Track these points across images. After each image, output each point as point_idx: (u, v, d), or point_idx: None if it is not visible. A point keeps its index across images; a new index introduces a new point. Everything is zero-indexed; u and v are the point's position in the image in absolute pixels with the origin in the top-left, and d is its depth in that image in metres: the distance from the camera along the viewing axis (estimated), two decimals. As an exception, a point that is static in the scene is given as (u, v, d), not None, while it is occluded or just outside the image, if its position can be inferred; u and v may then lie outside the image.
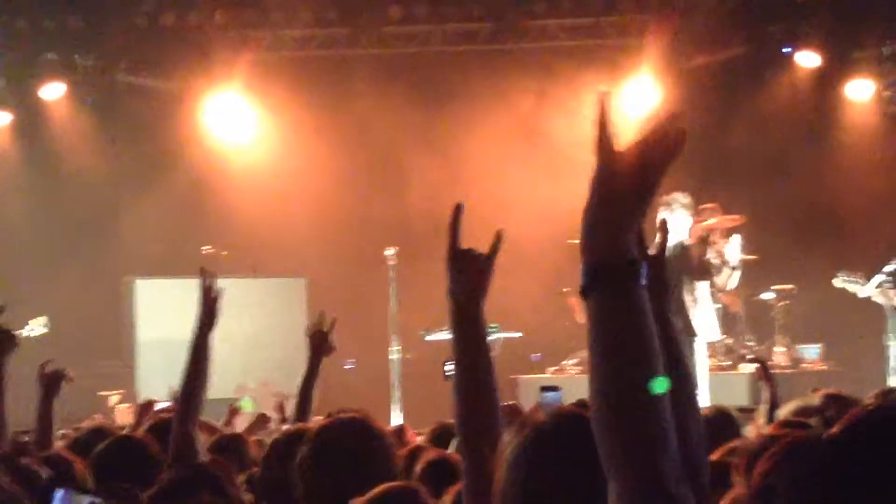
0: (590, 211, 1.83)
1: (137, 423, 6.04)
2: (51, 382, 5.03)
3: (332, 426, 3.41)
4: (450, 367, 4.88)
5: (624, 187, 1.82)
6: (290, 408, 6.09)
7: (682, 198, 9.57)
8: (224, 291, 4.37)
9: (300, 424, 4.33)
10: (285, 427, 5.09)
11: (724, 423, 4.34)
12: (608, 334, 1.78)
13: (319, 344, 5.05)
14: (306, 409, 4.95)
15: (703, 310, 9.61)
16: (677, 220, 9.38)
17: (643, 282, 1.79)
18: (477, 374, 2.73)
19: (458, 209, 2.76)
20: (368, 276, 11.52)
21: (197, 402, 4.28)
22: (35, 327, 10.08)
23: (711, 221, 10.15)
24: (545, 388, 4.05)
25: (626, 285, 1.79)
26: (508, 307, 11.06)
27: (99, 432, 4.97)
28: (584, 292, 1.81)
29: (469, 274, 2.77)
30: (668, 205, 9.38)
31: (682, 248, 9.43)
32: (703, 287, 9.67)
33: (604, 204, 1.82)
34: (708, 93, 12.59)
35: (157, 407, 6.79)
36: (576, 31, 12.95)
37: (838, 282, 10.07)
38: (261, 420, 6.65)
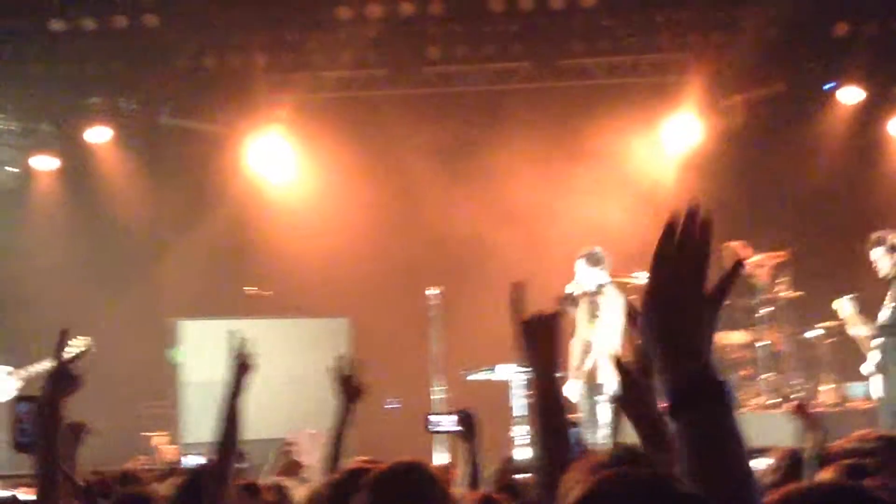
0: (658, 329, 1.84)
1: (171, 472, 6.04)
2: (74, 433, 4.85)
3: (390, 473, 3.40)
4: (434, 420, 4.86)
5: (685, 293, 1.84)
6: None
7: None
8: (254, 357, 4.28)
9: (349, 469, 4.30)
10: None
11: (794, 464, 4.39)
12: (707, 458, 1.78)
13: (347, 388, 4.88)
14: (337, 456, 4.78)
15: None
16: None
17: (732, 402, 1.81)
18: (558, 435, 2.89)
19: (518, 288, 2.88)
20: (410, 315, 11.53)
21: (229, 467, 4.20)
22: (78, 347, 10.12)
23: (757, 258, 10.09)
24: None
25: (719, 408, 1.80)
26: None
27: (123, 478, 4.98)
28: (674, 414, 1.81)
29: (540, 343, 2.91)
30: None
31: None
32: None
33: (671, 316, 1.84)
34: (749, 130, 12.56)
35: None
36: (614, 69, 12.94)
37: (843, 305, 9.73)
38: (294, 466, 6.62)
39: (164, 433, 11.09)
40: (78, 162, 12.88)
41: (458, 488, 4.43)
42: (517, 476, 5.18)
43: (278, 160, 13.07)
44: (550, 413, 2.93)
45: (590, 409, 9.18)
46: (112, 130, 12.73)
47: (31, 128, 12.63)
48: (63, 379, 3.95)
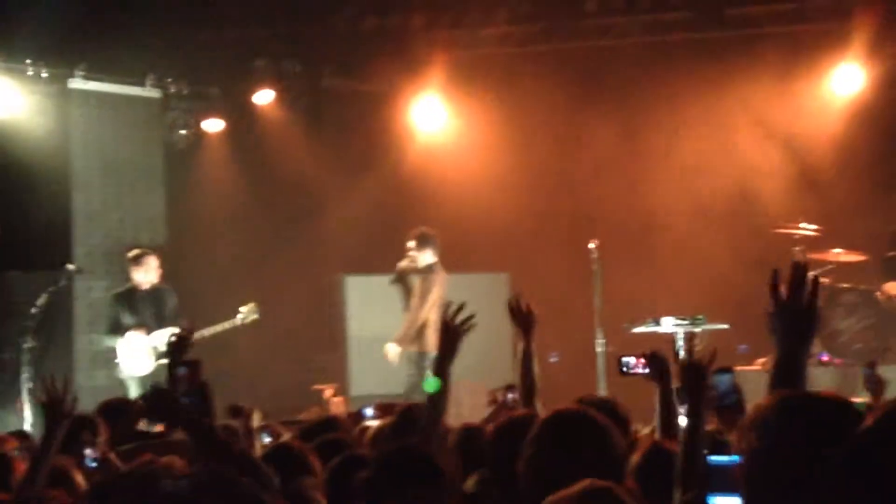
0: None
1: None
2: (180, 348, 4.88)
3: (555, 417, 3.54)
4: (627, 361, 4.94)
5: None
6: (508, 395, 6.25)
7: None
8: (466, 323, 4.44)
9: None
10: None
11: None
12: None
13: (521, 319, 5.13)
14: (531, 387, 5.03)
15: None
16: None
17: None
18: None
19: (800, 267, 3.05)
20: (571, 269, 11.58)
21: (437, 425, 4.39)
22: (247, 314, 10.51)
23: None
24: (720, 371, 4.13)
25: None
26: (716, 297, 10.97)
27: (327, 423, 5.20)
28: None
29: (798, 326, 3.07)
30: None
31: None
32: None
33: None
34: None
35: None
36: (778, 16, 12.66)
37: None
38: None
39: (333, 385, 11.41)
40: (245, 124, 13.26)
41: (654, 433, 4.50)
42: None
43: (438, 118, 13.25)
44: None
45: (418, 373, 10.03)
46: (276, 92, 13.06)
47: (200, 91, 13.04)
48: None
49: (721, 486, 2.99)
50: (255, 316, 10.50)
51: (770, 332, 2.97)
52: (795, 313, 2.96)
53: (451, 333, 4.44)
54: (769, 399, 2.62)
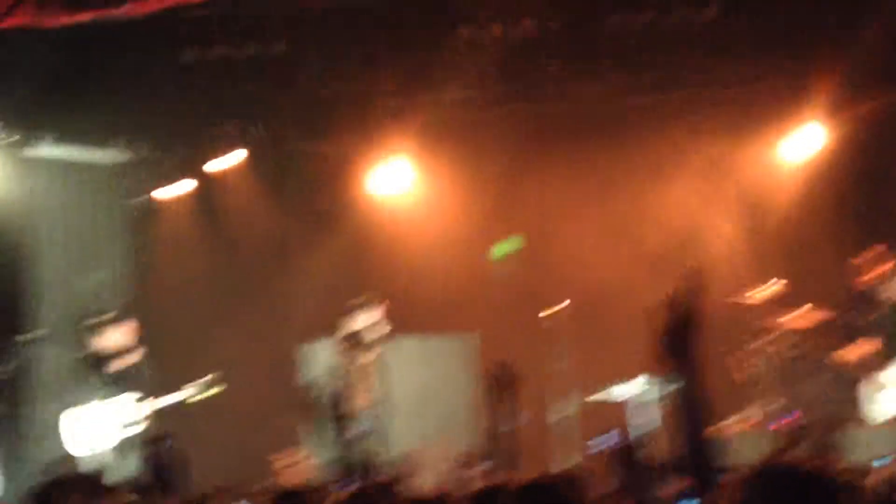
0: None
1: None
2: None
3: (536, 484, 3.59)
4: (594, 443, 4.96)
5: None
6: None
7: None
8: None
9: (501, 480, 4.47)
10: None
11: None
12: None
13: (502, 381, 5.13)
14: (494, 451, 5.01)
15: None
16: None
17: None
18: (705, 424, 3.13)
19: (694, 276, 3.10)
20: (530, 333, 11.60)
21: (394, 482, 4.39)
22: (207, 387, 10.48)
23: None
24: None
25: None
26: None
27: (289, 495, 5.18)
28: None
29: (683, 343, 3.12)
30: None
31: None
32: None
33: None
34: (873, 138, 12.32)
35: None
36: (736, 78, 12.80)
37: None
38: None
39: (295, 451, 11.33)
40: (208, 188, 13.26)
41: None
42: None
43: (401, 181, 13.30)
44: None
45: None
46: (241, 155, 13.08)
47: (163, 155, 13.04)
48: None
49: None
50: (216, 389, 10.47)
51: (661, 356, 2.97)
52: (684, 320, 2.99)
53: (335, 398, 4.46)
54: (752, 469, 2.65)
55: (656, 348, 2.96)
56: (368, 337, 10.84)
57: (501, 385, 5.16)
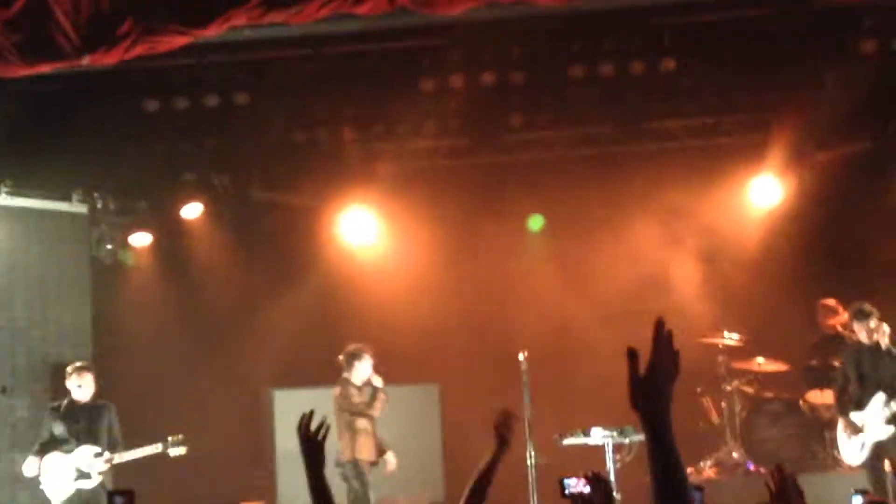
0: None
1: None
2: None
3: None
4: (568, 483, 4.95)
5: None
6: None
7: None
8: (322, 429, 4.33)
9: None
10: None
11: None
12: None
13: (502, 433, 5.10)
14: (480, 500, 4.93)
15: None
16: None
17: None
18: (677, 472, 3.00)
19: (661, 326, 3.04)
20: (501, 380, 11.60)
21: None
22: (173, 445, 10.39)
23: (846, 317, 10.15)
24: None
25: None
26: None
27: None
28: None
29: (655, 390, 3.04)
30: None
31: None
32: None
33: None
34: (832, 188, 12.48)
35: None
36: (696, 130, 12.99)
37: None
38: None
39: (262, 503, 11.26)
40: (173, 238, 13.22)
41: None
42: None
43: (366, 230, 13.32)
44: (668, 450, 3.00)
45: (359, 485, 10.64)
46: (204, 206, 13.06)
47: (127, 206, 12.99)
48: None
49: None
50: (182, 450, 10.38)
51: (633, 406, 2.96)
52: (660, 372, 2.96)
53: (312, 444, 4.36)
54: None
55: (628, 393, 2.92)
56: (363, 389, 10.80)
57: (505, 433, 5.10)
